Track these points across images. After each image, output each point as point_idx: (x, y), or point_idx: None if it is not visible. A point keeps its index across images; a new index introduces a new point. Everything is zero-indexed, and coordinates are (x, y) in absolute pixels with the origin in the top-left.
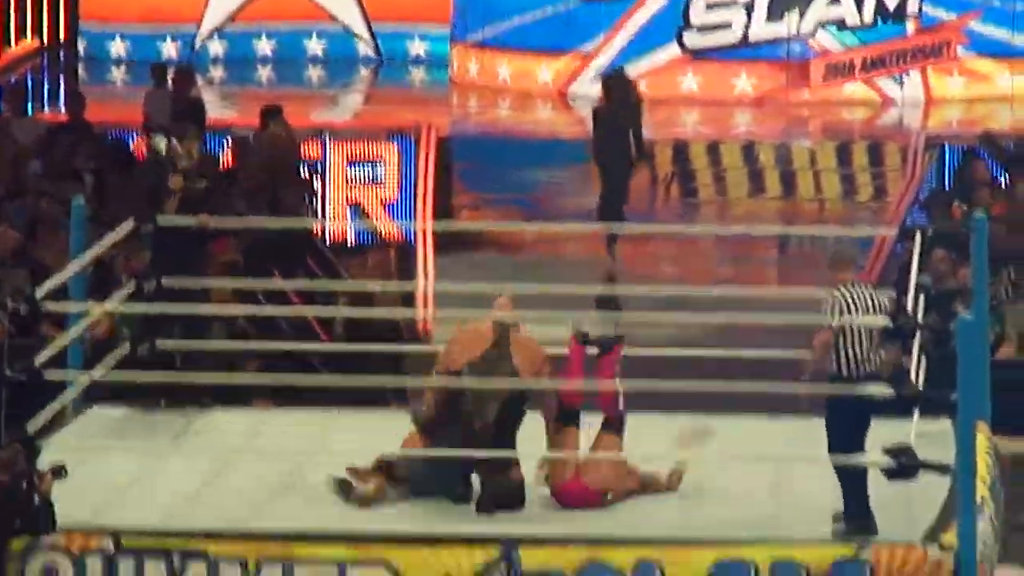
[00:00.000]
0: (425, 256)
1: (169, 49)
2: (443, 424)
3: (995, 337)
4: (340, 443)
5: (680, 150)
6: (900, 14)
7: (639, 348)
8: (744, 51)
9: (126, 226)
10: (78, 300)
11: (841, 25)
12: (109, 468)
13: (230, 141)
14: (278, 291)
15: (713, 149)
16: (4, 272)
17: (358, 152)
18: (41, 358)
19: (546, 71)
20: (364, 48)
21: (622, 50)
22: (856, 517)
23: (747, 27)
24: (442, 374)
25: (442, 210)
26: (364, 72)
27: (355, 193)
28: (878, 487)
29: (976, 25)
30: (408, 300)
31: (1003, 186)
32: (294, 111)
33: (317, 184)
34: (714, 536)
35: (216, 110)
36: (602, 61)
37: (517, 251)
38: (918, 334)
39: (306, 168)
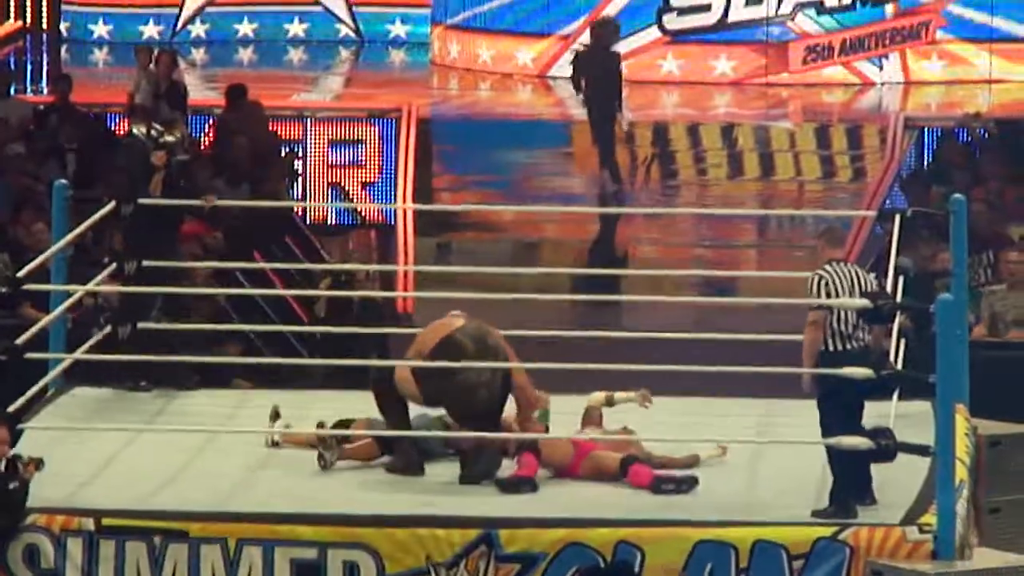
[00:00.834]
0: (405, 237)
1: (151, 31)
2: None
3: (973, 319)
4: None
5: (660, 132)
6: None
7: (626, 332)
8: (724, 33)
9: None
10: (60, 281)
11: (820, 7)
12: (90, 449)
13: (211, 122)
14: (259, 272)
15: (693, 131)
16: None
17: (339, 133)
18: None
19: (526, 53)
20: (345, 30)
21: None
22: (839, 499)
23: (727, 9)
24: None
25: (423, 192)
26: (345, 54)
27: (336, 174)
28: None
29: (955, 8)
30: (388, 281)
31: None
32: (276, 92)
33: (298, 165)
34: (694, 517)
35: (198, 92)
36: (582, 44)
37: (498, 233)
38: (898, 316)
39: (287, 149)
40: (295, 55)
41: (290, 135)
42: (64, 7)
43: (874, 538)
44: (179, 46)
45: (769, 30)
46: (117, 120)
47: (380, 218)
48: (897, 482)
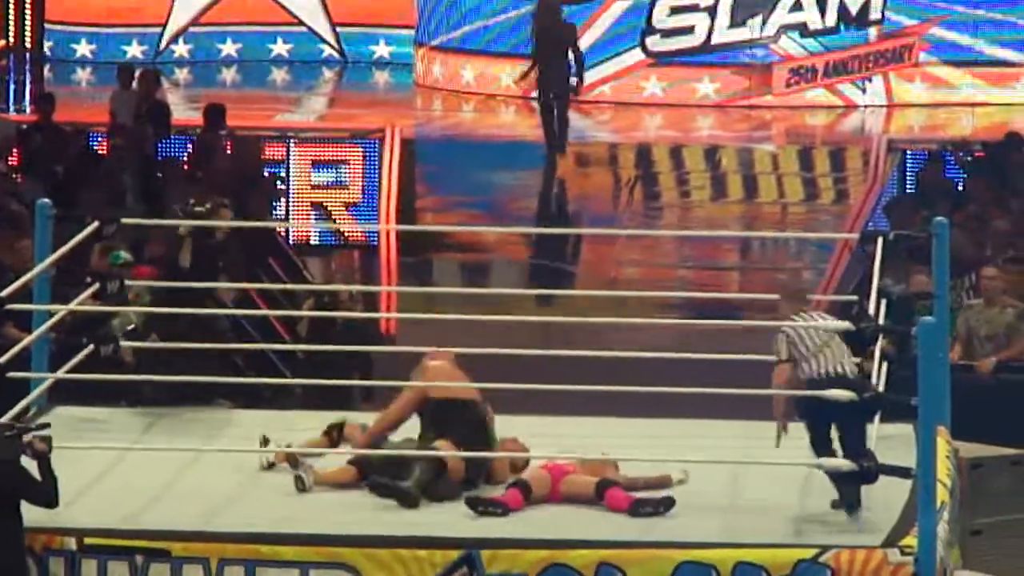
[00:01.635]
0: (388, 258)
1: (135, 51)
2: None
3: (952, 342)
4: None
5: (643, 154)
6: (863, 20)
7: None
8: (707, 55)
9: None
10: (43, 301)
11: (804, 30)
12: (73, 468)
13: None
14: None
15: (676, 153)
16: None
17: (322, 154)
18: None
19: (510, 74)
20: (328, 50)
21: (585, 54)
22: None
23: (710, 31)
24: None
25: (406, 212)
26: (328, 74)
27: (319, 195)
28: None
29: (938, 31)
30: (372, 302)
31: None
32: (259, 113)
33: (281, 186)
34: (676, 539)
35: (181, 112)
36: None
37: (480, 253)
38: (880, 338)
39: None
40: (278, 75)
41: (273, 155)
42: (48, 26)
43: (855, 560)
44: (162, 66)
45: (753, 52)
46: (100, 139)
47: (363, 239)
48: (879, 504)
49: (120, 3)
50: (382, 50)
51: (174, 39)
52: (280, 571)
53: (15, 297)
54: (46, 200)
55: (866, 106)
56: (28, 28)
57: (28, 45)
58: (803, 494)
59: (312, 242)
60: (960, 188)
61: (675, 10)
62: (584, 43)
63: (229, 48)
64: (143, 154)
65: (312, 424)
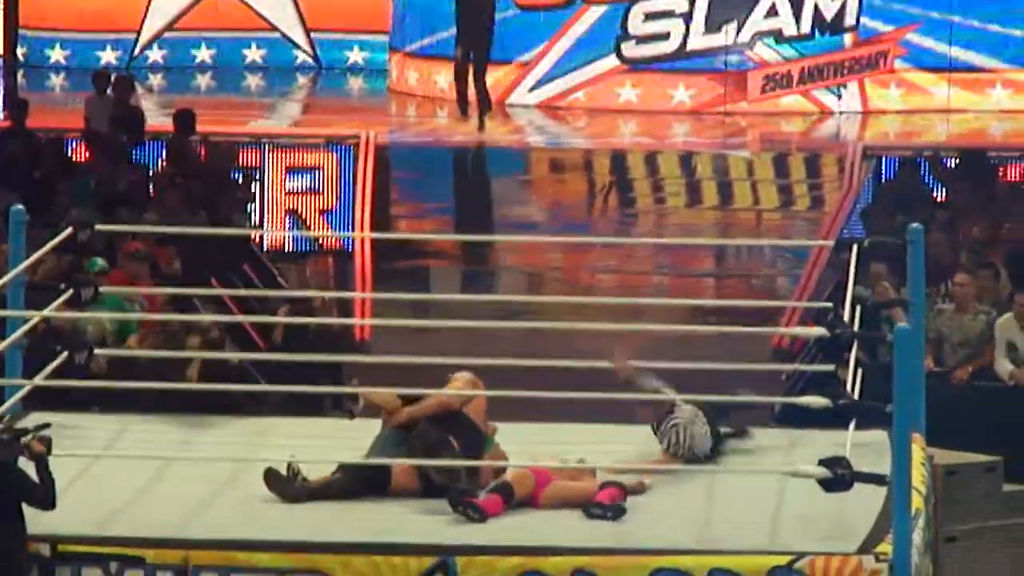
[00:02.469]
0: (363, 265)
1: (109, 56)
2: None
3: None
4: (277, 450)
5: (618, 160)
6: (838, 26)
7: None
8: (682, 62)
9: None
10: (16, 307)
11: (779, 36)
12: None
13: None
14: (216, 298)
15: (651, 159)
16: None
17: (296, 160)
18: None
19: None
20: (303, 56)
21: (560, 60)
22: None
23: (685, 38)
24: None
25: (380, 219)
26: (303, 80)
27: (293, 201)
28: (813, 499)
29: (914, 37)
30: (346, 309)
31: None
32: (233, 119)
33: (255, 191)
34: (650, 546)
35: (156, 118)
36: (540, 71)
37: (455, 261)
38: (855, 345)
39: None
40: (252, 81)
41: (247, 162)
42: (21, 31)
43: (830, 567)
44: (137, 71)
45: (728, 59)
46: (74, 145)
47: (338, 245)
48: (854, 511)
49: (94, 8)
50: (356, 56)
51: (148, 45)
52: None
53: None
54: (19, 206)
55: (841, 112)
56: (1, 34)
57: (1, 51)
58: (778, 501)
59: (286, 248)
60: (934, 194)
61: (650, 16)
62: (559, 49)
63: (203, 54)
64: (116, 160)
65: (286, 430)
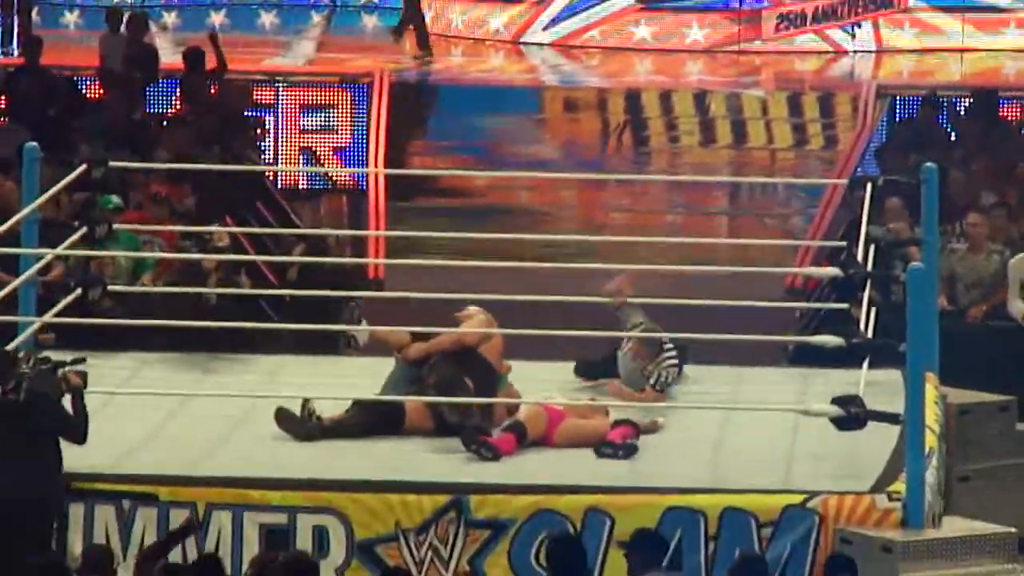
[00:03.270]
0: (377, 202)
1: None
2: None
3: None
4: (290, 388)
5: (632, 99)
6: None
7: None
8: (697, 1)
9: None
10: (30, 245)
11: None
12: None
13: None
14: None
15: (665, 98)
16: None
17: (311, 99)
18: None
19: (499, 19)
20: None
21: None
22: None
23: None
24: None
25: (395, 156)
26: (317, 18)
27: (307, 139)
28: (826, 438)
29: None
30: (360, 246)
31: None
32: (247, 57)
33: (269, 129)
34: (664, 484)
35: (169, 56)
36: (554, 10)
37: (469, 199)
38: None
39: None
40: (267, 19)
41: (261, 100)
42: None
43: (843, 506)
44: (150, 9)
45: None
46: (88, 83)
47: (352, 183)
48: (867, 450)
49: None
50: None
51: None
52: (268, 516)
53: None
54: (34, 143)
55: (855, 51)
56: None
57: None
58: (791, 440)
59: (300, 186)
60: (949, 133)
61: None
62: None
63: None
64: (131, 99)
65: (300, 369)
